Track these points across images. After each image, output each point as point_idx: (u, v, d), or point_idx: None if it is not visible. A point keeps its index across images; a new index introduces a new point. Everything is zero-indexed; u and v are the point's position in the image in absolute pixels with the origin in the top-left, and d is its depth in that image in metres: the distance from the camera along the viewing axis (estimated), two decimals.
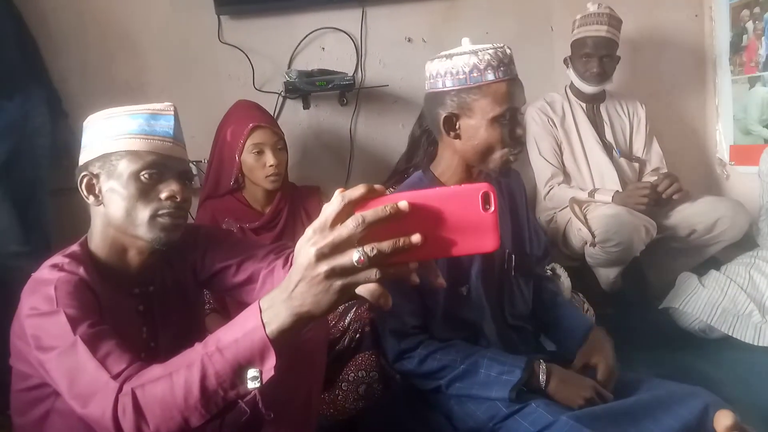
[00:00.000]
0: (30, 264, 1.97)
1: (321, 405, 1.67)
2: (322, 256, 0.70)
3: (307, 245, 0.71)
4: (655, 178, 2.40)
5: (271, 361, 0.79)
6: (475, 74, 1.31)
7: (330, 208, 0.70)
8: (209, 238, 1.42)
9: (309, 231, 0.71)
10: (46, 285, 1.09)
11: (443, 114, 1.37)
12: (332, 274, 0.70)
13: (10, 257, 2.03)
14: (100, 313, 1.10)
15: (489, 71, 1.31)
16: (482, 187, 0.70)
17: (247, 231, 2.09)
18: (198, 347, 0.87)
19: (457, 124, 1.37)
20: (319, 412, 1.64)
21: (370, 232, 0.69)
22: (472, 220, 0.70)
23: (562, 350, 1.58)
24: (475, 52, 1.31)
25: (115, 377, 0.94)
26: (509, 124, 1.35)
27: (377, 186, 0.71)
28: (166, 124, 1.21)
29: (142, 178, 1.17)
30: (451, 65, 1.32)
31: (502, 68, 1.31)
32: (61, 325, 1.02)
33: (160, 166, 1.19)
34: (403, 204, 0.69)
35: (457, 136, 1.38)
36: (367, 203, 0.70)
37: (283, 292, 0.76)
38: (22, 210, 2.11)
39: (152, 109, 1.21)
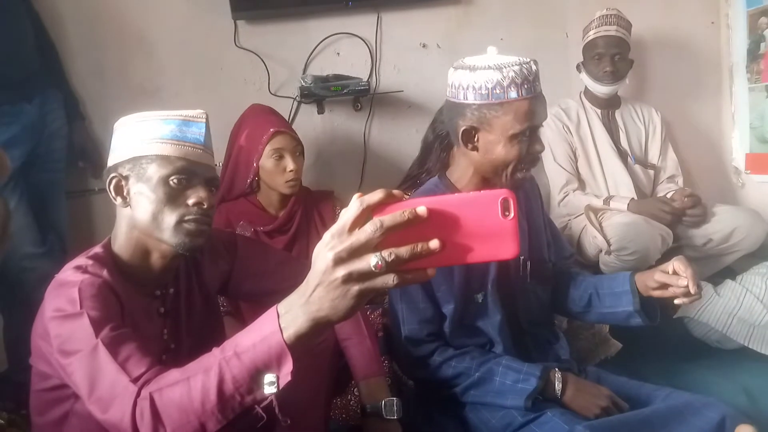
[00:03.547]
0: (45, 265, 2.02)
1: (333, 410, 1.67)
2: (339, 260, 0.69)
3: (325, 250, 0.70)
4: (674, 191, 2.39)
5: (288, 366, 0.79)
6: (497, 91, 1.29)
7: (348, 213, 0.70)
8: (248, 259, 1.45)
9: (327, 235, 0.71)
10: (70, 287, 1.10)
11: (463, 126, 1.36)
12: (350, 278, 0.70)
13: (26, 258, 2.05)
14: (122, 316, 1.11)
15: (512, 89, 1.29)
16: (502, 193, 0.69)
17: (260, 234, 2.10)
18: (216, 352, 0.87)
19: (476, 137, 1.36)
20: (332, 416, 1.64)
21: (388, 237, 0.68)
22: (491, 227, 0.69)
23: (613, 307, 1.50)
24: (500, 68, 1.29)
25: (134, 381, 0.94)
26: (528, 141, 1.35)
27: (395, 191, 0.71)
28: (198, 131, 1.22)
29: (171, 182, 1.19)
30: (474, 79, 1.31)
31: (525, 86, 1.30)
32: (84, 328, 1.03)
33: (189, 172, 1.20)
34: (421, 209, 0.68)
35: (475, 149, 1.38)
36: (385, 208, 0.70)
37: (301, 297, 0.76)
38: (38, 212, 2.14)
39: (185, 116, 1.22)
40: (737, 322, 2.10)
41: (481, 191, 0.71)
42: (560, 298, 1.61)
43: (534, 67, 1.32)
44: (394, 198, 0.71)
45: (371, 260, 0.68)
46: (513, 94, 1.29)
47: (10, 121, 2.02)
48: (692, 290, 1.30)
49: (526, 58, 1.32)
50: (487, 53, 1.35)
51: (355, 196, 0.71)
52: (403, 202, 0.70)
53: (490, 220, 0.69)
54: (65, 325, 1.06)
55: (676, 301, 1.36)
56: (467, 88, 1.32)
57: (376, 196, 0.70)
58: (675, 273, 1.35)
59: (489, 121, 1.33)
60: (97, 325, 1.03)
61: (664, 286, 1.37)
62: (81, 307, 1.06)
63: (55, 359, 1.07)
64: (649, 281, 1.41)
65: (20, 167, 2.04)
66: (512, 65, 1.29)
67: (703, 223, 2.32)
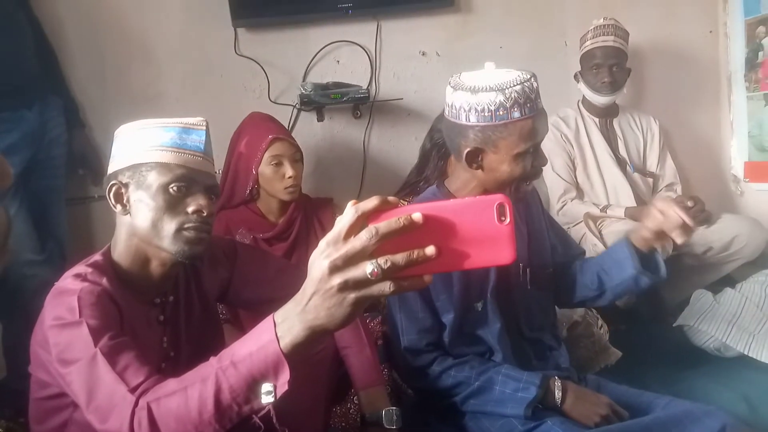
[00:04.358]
0: (45, 272, 2.02)
1: (333, 418, 1.67)
2: (335, 268, 0.69)
3: (321, 258, 0.70)
4: (671, 194, 2.39)
5: (285, 376, 0.79)
6: (501, 112, 1.28)
7: (343, 221, 0.69)
8: (247, 266, 1.45)
9: (322, 243, 0.70)
10: (70, 295, 1.10)
11: (467, 147, 1.35)
12: (346, 286, 0.69)
13: (26, 265, 2.05)
14: (121, 325, 1.11)
15: (515, 109, 1.28)
16: (497, 198, 0.69)
17: (260, 241, 2.10)
18: (213, 361, 0.86)
19: (480, 157, 1.36)
20: (331, 425, 1.64)
21: (384, 244, 0.68)
22: (487, 232, 0.68)
23: (617, 275, 1.50)
24: (502, 89, 1.28)
25: (132, 391, 0.94)
26: (531, 157, 1.35)
27: (391, 198, 0.70)
28: (198, 139, 1.23)
29: (170, 190, 1.19)
30: (476, 101, 1.29)
31: (528, 105, 1.29)
32: (83, 337, 1.03)
33: (189, 180, 1.20)
34: (416, 216, 0.68)
35: (479, 168, 1.38)
36: (381, 215, 0.69)
37: (297, 306, 0.75)
38: (38, 219, 2.14)
39: (185, 123, 1.22)
40: (737, 331, 2.10)
41: (477, 197, 0.71)
42: (571, 291, 1.61)
43: (535, 84, 1.32)
44: (390, 205, 0.70)
45: (367, 268, 0.67)
46: (516, 114, 1.29)
47: (10, 128, 2.03)
48: (688, 222, 1.33)
49: (526, 74, 1.31)
50: (485, 68, 1.35)
51: (350, 203, 0.70)
52: (399, 209, 0.69)
53: (486, 225, 0.68)
54: (64, 333, 1.06)
55: (677, 241, 1.37)
56: (469, 110, 1.31)
57: (371, 203, 0.69)
58: (662, 214, 1.37)
59: (494, 142, 1.32)
60: (95, 334, 1.03)
61: (660, 232, 1.39)
62: (80, 316, 1.06)
63: (54, 368, 1.07)
64: (645, 234, 1.43)
65: (20, 174, 2.04)
66: (514, 85, 1.28)
67: (708, 220, 2.32)
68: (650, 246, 1.45)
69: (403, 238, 0.68)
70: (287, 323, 0.77)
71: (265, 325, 0.80)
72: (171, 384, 0.91)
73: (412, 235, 0.68)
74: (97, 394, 0.98)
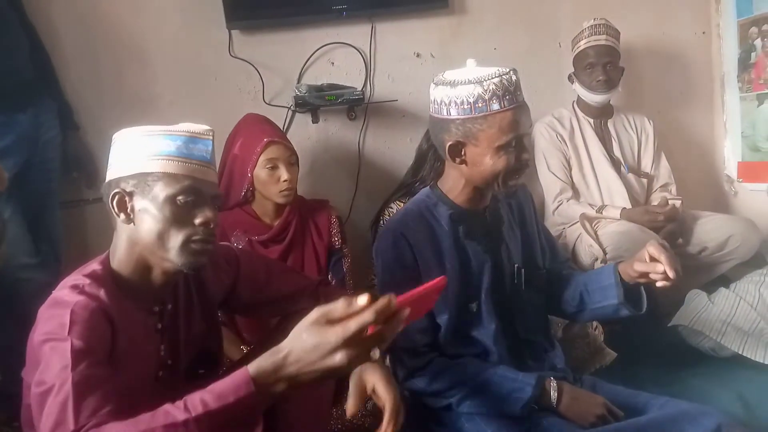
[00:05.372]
0: (40, 275, 2.01)
1: (330, 420, 1.67)
2: (355, 359, 0.84)
3: (341, 350, 0.83)
4: (659, 199, 2.41)
5: (258, 429, 0.89)
6: (479, 104, 1.30)
7: (363, 320, 0.83)
8: (251, 272, 1.46)
9: (339, 333, 0.83)
10: (64, 308, 1.07)
11: (449, 141, 1.37)
12: (351, 364, 0.85)
13: (20, 269, 2.04)
14: (114, 339, 1.09)
15: (494, 101, 1.30)
16: (441, 282, 0.98)
17: (255, 243, 2.09)
18: (179, 408, 0.88)
19: (463, 151, 1.37)
20: (328, 427, 1.64)
21: None
22: (433, 293, 1.00)
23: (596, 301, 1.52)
24: (479, 82, 1.29)
25: (77, 429, 0.92)
26: (515, 150, 1.35)
27: (392, 296, 0.85)
28: (204, 149, 1.20)
29: (177, 202, 1.16)
30: (455, 95, 1.31)
31: (507, 97, 1.30)
32: (64, 358, 1.00)
33: (196, 191, 1.18)
34: (406, 311, 0.88)
35: (463, 162, 1.38)
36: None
37: (286, 366, 0.86)
38: (33, 222, 2.13)
39: (191, 132, 1.19)
40: (731, 330, 2.11)
41: (431, 283, 0.96)
42: (555, 300, 1.61)
43: (514, 77, 1.33)
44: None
45: (375, 354, 0.85)
46: (495, 106, 1.30)
47: (4, 131, 2.01)
48: (670, 275, 1.31)
49: (506, 68, 1.33)
50: (466, 66, 1.36)
51: (362, 299, 0.85)
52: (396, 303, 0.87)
53: (436, 291, 0.99)
54: (49, 351, 1.03)
55: (657, 285, 1.35)
56: (449, 104, 1.33)
57: (387, 308, 0.84)
58: (653, 259, 1.34)
59: (474, 135, 1.34)
60: (76, 358, 1.00)
61: (645, 274, 1.37)
62: (68, 333, 1.03)
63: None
64: (630, 271, 1.41)
65: (14, 177, 2.03)
66: (492, 78, 1.30)
67: (678, 237, 2.32)
68: (635, 280, 1.42)
69: None
70: (270, 379, 0.86)
71: (241, 378, 0.87)
72: (119, 427, 0.90)
73: None
74: (49, 420, 0.95)
